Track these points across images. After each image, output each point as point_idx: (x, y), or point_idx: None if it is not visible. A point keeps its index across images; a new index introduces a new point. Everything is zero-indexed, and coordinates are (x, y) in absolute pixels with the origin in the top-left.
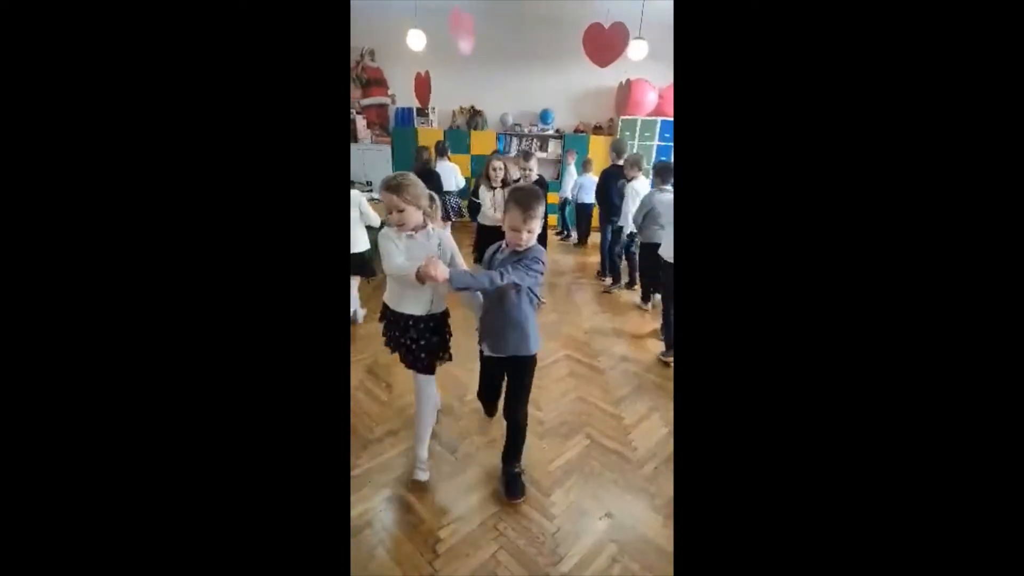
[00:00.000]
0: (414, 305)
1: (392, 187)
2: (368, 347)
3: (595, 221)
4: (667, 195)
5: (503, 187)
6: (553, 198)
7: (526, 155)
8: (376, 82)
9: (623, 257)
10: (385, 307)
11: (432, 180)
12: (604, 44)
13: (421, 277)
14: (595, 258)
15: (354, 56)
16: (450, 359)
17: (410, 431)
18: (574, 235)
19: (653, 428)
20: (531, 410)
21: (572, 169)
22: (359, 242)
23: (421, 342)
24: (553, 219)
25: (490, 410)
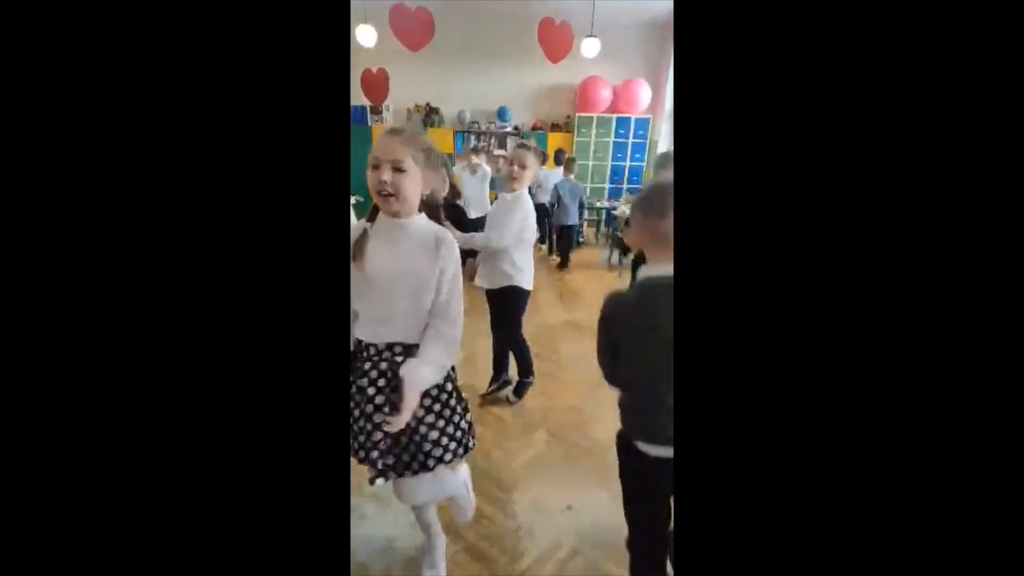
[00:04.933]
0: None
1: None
2: None
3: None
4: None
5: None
6: None
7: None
8: None
9: None
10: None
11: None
12: (554, 40)
13: None
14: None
15: None
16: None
17: None
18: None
19: (613, 418)
20: (492, 410)
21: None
22: None
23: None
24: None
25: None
